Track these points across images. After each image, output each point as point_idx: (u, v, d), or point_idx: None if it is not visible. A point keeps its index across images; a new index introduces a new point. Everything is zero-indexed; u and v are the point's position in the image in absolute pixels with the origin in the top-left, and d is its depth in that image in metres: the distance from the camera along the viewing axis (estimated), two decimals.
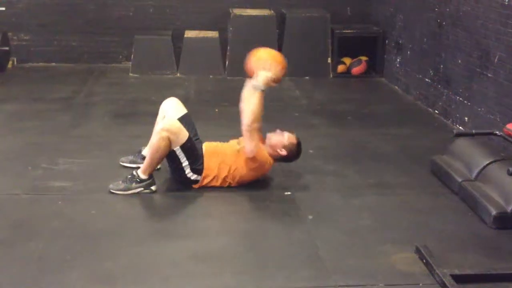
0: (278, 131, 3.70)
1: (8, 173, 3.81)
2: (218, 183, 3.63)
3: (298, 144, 3.72)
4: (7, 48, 6.50)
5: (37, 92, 5.83)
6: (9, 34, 6.69)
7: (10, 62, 6.73)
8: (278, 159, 3.71)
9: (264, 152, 3.63)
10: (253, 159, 3.55)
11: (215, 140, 3.84)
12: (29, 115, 5.06)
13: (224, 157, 3.63)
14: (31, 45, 6.91)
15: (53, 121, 4.94)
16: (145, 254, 2.92)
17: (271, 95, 6.00)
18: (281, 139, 3.65)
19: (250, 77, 3.55)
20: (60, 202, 3.43)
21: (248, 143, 3.51)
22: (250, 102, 3.46)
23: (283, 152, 3.65)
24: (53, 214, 3.29)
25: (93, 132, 4.71)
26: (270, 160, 3.67)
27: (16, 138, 4.47)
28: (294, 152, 3.71)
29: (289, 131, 3.74)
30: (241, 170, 3.61)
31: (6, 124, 4.82)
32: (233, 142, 3.76)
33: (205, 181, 3.63)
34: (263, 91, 3.46)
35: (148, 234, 3.14)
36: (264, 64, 3.49)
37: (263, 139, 3.71)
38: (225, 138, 3.99)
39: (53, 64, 6.95)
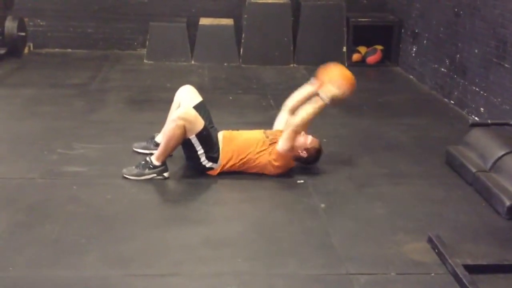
0: (302, 133, 3.74)
1: (24, 157, 3.86)
2: (234, 169, 3.66)
3: (319, 150, 3.76)
4: (23, 34, 6.55)
5: (53, 77, 5.88)
6: (26, 19, 6.73)
7: (27, 48, 6.79)
8: (297, 159, 3.74)
9: (290, 157, 3.66)
10: (280, 156, 3.59)
11: (230, 127, 3.86)
12: (46, 100, 5.10)
13: (243, 143, 3.66)
14: (48, 30, 6.97)
15: (69, 106, 4.98)
16: (158, 238, 2.96)
17: (286, 84, 6.04)
18: (305, 141, 3.69)
19: (318, 86, 3.66)
20: (75, 187, 3.47)
21: (285, 141, 3.57)
22: (308, 108, 3.60)
23: (304, 154, 3.69)
24: (68, 198, 3.33)
25: (108, 118, 4.75)
26: (292, 164, 3.72)
27: (32, 123, 4.53)
28: (314, 156, 3.75)
29: (314, 136, 3.78)
30: (262, 159, 3.63)
31: (23, 109, 4.88)
32: (258, 132, 3.79)
33: (220, 169, 3.65)
34: (326, 104, 3.58)
35: (161, 219, 3.18)
36: (337, 82, 3.60)
37: None
38: (239, 126, 4.01)
39: (69, 50, 7.00)
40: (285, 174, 3.72)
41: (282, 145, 3.58)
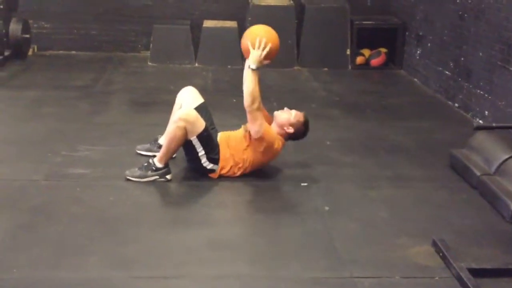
0: (285, 109, 3.66)
1: (28, 159, 3.86)
2: (234, 173, 3.64)
3: (306, 122, 3.67)
4: (28, 36, 6.56)
5: (57, 79, 5.89)
6: (30, 21, 6.75)
7: (31, 50, 6.80)
8: (286, 137, 3.66)
9: (271, 131, 3.57)
10: (259, 139, 3.50)
11: (233, 130, 3.85)
12: (49, 102, 5.11)
13: (235, 144, 3.63)
14: (52, 33, 6.98)
15: (72, 108, 4.99)
16: (161, 240, 2.95)
17: (290, 86, 6.04)
18: (288, 116, 3.62)
19: (246, 57, 3.49)
20: (78, 189, 3.47)
21: (252, 124, 3.46)
22: (245, 83, 3.44)
23: (290, 130, 3.62)
24: (71, 200, 3.33)
25: (112, 120, 4.75)
26: (278, 139, 3.62)
27: (36, 125, 4.53)
28: (301, 130, 3.67)
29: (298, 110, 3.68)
30: (251, 154, 3.59)
31: (27, 111, 4.88)
32: (241, 128, 3.73)
33: (222, 172, 3.64)
34: (256, 70, 3.41)
35: (164, 221, 3.17)
36: (254, 42, 3.40)
37: (270, 118, 3.68)
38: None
39: (73, 52, 7.01)
40: (289, 177, 3.71)
41: (251, 130, 3.46)
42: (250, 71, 3.42)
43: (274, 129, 3.64)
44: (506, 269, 2.75)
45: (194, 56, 6.71)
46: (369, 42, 6.89)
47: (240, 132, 3.70)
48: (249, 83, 3.41)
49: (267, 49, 3.40)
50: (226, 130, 3.83)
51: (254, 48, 3.41)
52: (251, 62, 3.41)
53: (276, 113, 3.70)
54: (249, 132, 3.55)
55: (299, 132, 3.68)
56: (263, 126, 3.49)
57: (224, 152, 3.61)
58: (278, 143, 3.61)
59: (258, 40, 3.39)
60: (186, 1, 7.03)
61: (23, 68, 6.26)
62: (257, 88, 3.43)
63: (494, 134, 3.87)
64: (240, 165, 3.62)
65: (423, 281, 2.69)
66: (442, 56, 5.71)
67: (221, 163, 3.62)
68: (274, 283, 2.63)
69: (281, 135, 3.63)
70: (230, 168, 3.63)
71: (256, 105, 3.43)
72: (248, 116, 3.47)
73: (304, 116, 3.69)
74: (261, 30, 3.48)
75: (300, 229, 3.13)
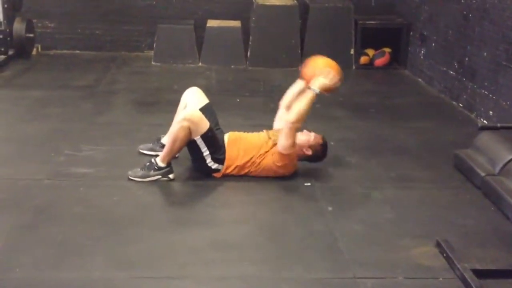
0: (305, 131, 3.72)
1: (31, 159, 3.87)
2: (239, 172, 3.64)
3: (324, 145, 3.72)
4: (31, 35, 6.57)
5: (61, 79, 5.90)
6: (34, 21, 6.76)
7: (35, 49, 6.81)
8: (303, 158, 3.71)
9: (295, 159, 3.63)
10: (283, 156, 3.55)
11: (237, 129, 3.85)
12: (53, 102, 5.11)
13: (248, 145, 3.65)
14: (56, 32, 6.99)
15: (76, 108, 4.99)
16: (164, 240, 2.95)
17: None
18: (308, 138, 3.66)
19: (305, 80, 3.62)
20: (82, 188, 3.47)
21: (284, 139, 3.50)
22: (301, 102, 3.52)
23: (308, 152, 3.66)
24: (75, 200, 3.33)
25: (115, 120, 4.75)
26: (295, 166, 3.69)
27: (40, 124, 4.53)
28: (319, 153, 3.72)
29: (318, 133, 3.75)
30: (266, 161, 3.61)
31: (31, 110, 4.89)
32: (263, 133, 3.76)
33: (227, 171, 3.64)
34: (317, 94, 3.50)
35: (168, 221, 3.17)
36: (323, 72, 3.53)
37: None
38: (246, 128, 4.00)
39: (77, 51, 7.02)
40: (292, 177, 3.70)
41: (282, 143, 3.51)
42: (312, 93, 3.50)
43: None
44: (510, 270, 2.74)
45: (198, 56, 6.70)
46: (373, 42, 6.88)
47: (262, 135, 3.72)
48: (305, 104, 3.49)
49: (335, 83, 3.55)
50: (230, 130, 3.84)
51: (321, 76, 3.52)
52: (317, 86, 3.51)
53: (296, 135, 3.70)
54: (276, 142, 3.59)
55: (317, 155, 3.71)
56: (294, 148, 3.55)
57: (231, 151, 3.62)
58: (292, 169, 3.66)
59: (331, 72, 3.52)
60: (189, 1, 7.02)
61: (26, 68, 6.27)
62: (308, 111, 3.52)
63: (498, 135, 3.85)
64: (247, 163, 3.62)
65: (427, 282, 2.69)
66: (446, 56, 5.69)
67: (226, 161, 3.62)
68: (278, 284, 2.63)
69: (298, 155, 3.66)
70: (236, 167, 3.63)
71: (298, 125, 3.52)
72: (285, 130, 3.50)
73: (322, 138, 3.72)
74: (333, 65, 3.59)
75: (304, 229, 3.12)
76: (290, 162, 3.61)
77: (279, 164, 3.58)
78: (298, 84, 3.77)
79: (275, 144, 3.61)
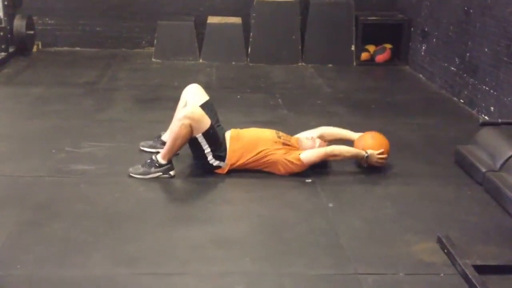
0: (311, 137, 3.79)
1: (32, 156, 3.87)
2: (245, 166, 3.66)
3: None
4: (32, 32, 6.57)
5: (62, 76, 5.90)
6: (34, 18, 6.76)
7: (35, 46, 6.81)
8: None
9: (304, 168, 3.69)
10: (296, 164, 3.63)
11: (238, 126, 3.86)
12: (54, 99, 5.12)
13: (253, 141, 3.67)
14: (56, 29, 6.99)
15: (77, 105, 4.99)
16: (165, 237, 2.95)
17: (294, 82, 6.02)
18: (313, 145, 3.75)
19: (358, 147, 3.81)
20: (83, 185, 3.48)
21: (314, 155, 3.65)
22: (350, 149, 3.75)
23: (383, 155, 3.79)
24: (76, 197, 3.33)
25: (116, 117, 4.75)
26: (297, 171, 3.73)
27: (41, 121, 4.54)
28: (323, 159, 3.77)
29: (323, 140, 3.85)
30: (273, 158, 3.64)
31: (32, 107, 4.89)
32: (269, 131, 3.81)
33: (228, 168, 3.64)
34: (363, 157, 3.72)
35: (169, 218, 3.17)
36: (380, 148, 3.76)
37: (297, 143, 3.79)
38: (247, 125, 4.00)
39: (77, 48, 7.02)
40: (293, 174, 3.70)
41: (308, 156, 3.64)
42: (362, 153, 3.73)
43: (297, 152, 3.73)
44: None
45: (199, 52, 6.70)
46: (374, 38, 6.86)
47: (269, 134, 3.76)
48: (350, 153, 3.74)
49: (381, 163, 3.78)
50: (231, 126, 3.84)
51: (377, 152, 3.75)
52: (369, 154, 3.73)
53: (301, 138, 3.82)
54: (286, 143, 3.71)
55: (321, 160, 3.76)
56: (309, 164, 3.67)
57: (234, 147, 3.64)
58: (300, 171, 3.71)
59: (384, 153, 3.76)
60: None
61: (27, 65, 6.27)
62: (344, 158, 3.76)
63: (499, 130, 3.85)
64: (252, 158, 3.64)
65: (428, 278, 2.69)
66: (447, 52, 5.68)
67: (228, 158, 3.63)
68: (280, 280, 2.63)
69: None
70: (237, 161, 3.64)
71: (331, 158, 3.73)
72: (320, 151, 3.67)
73: (326, 146, 3.79)
74: (388, 147, 3.82)
75: (305, 226, 3.12)
76: (299, 169, 3.68)
77: (291, 165, 3.64)
78: (348, 132, 3.99)
79: (286, 145, 3.70)
